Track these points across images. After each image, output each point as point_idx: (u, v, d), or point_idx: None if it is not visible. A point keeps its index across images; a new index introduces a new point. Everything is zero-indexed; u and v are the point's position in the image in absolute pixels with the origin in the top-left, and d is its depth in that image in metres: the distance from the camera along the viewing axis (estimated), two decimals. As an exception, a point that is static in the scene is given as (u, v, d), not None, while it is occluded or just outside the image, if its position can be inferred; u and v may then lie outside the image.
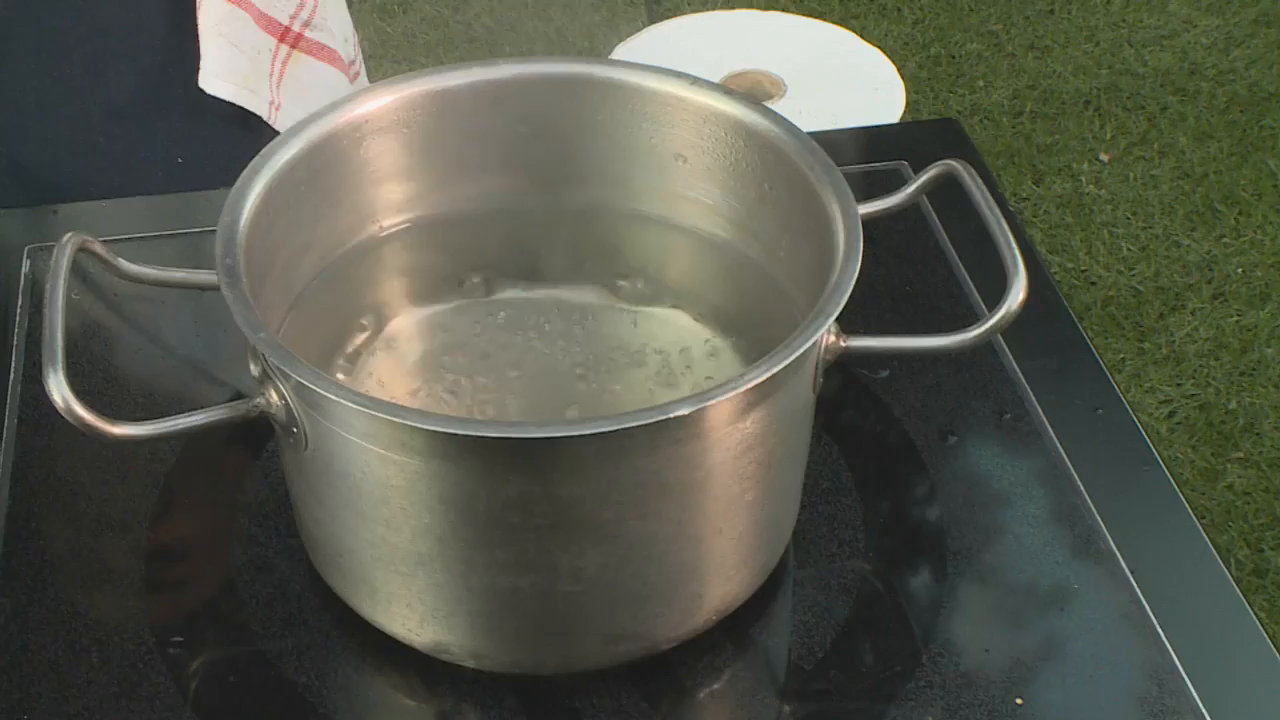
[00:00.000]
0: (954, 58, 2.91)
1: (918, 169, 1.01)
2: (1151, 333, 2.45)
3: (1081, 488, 0.82)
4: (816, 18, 3.01)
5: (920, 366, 0.89)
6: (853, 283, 0.68)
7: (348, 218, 0.79)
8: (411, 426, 0.62)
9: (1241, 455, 2.28)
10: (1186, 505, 0.82)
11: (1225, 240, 2.59)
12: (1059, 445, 0.85)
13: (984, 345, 0.79)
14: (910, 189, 0.78)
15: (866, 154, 1.03)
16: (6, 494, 0.81)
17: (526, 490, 0.64)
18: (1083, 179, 2.68)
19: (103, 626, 0.75)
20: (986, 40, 2.96)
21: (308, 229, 0.77)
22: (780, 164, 0.76)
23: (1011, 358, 0.89)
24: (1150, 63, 2.91)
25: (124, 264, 0.74)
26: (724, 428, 0.66)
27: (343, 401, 0.63)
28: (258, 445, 0.82)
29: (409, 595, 0.70)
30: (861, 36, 2.97)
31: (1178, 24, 3.01)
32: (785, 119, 0.77)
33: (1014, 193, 2.63)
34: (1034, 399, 0.87)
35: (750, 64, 1.66)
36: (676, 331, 0.81)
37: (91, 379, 0.87)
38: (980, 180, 0.76)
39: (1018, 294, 0.70)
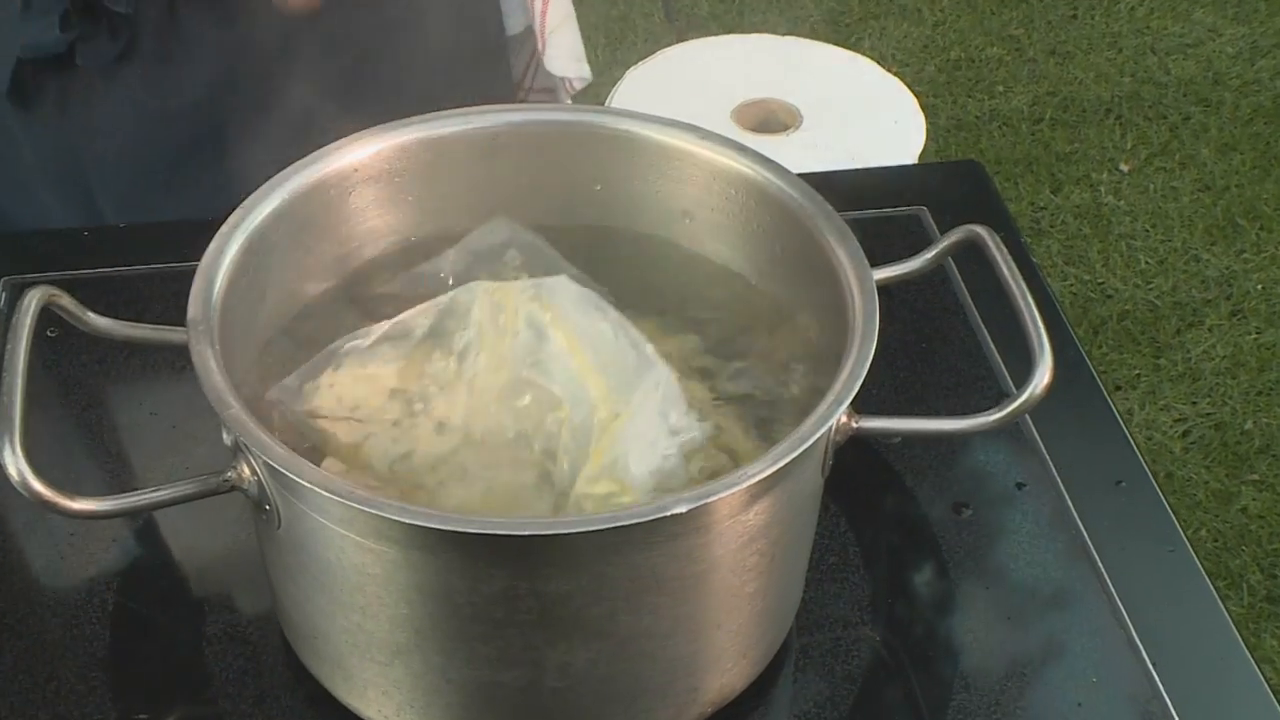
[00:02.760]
0: (974, 62, 2.86)
1: (937, 215, 0.97)
2: (1168, 349, 2.41)
3: (1102, 568, 0.78)
4: (836, 19, 2.96)
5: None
6: (867, 367, 0.64)
7: (333, 270, 0.75)
8: (388, 519, 0.58)
9: (1257, 478, 2.24)
10: (1213, 590, 0.78)
11: (1245, 255, 2.55)
12: (1079, 521, 0.80)
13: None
14: (930, 254, 0.73)
15: (885, 198, 0.99)
16: (-32, 549, 0.77)
17: (511, 585, 0.60)
18: (1102, 189, 2.64)
19: (63, 699, 0.71)
20: (1007, 45, 2.91)
21: (289, 282, 0.73)
22: (794, 228, 0.72)
23: (1031, 423, 0.85)
24: (1173, 71, 2.86)
25: (92, 318, 0.69)
26: (726, 521, 0.62)
27: (314, 488, 0.58)
28: (234, 505, 0.78)
29: (385, 683, 0.66)
30: (880, 38, 2.92)
31: (1202, 32, 2.96)
32: (800, 179, 0.73)
33: (1031, 202, 2.58)
34: (1053, 470, 0.83)
35: (766, 92, 1.60)
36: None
37: (57, 437, 0.83)
38: (1004, 247, 0.71)
39: (1043, 377, 0.66)
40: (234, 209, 0.70)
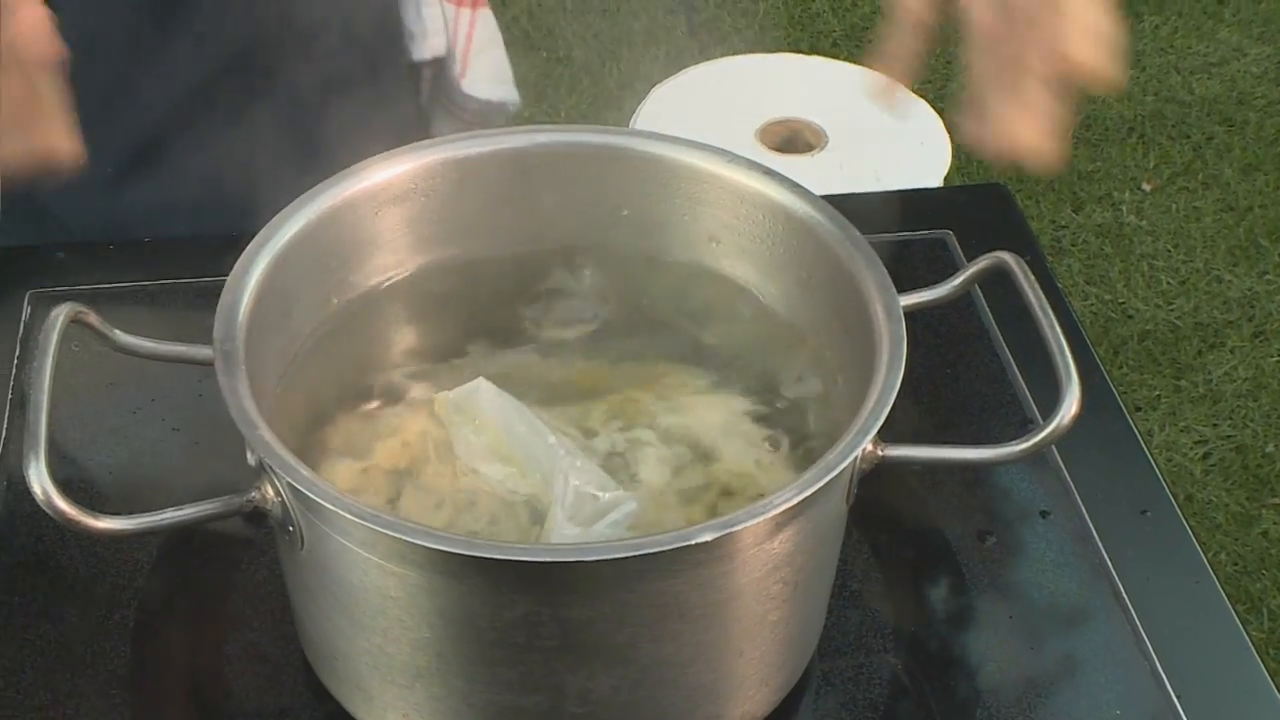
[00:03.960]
0: (997, 78, 2.85)
1: (963, 239, 0.96)
2: (1189, 370, 2.40)
3: (1126, 599, 0.77)
4: (857, 34, 2.96)
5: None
6: (894, 396, 0.63)
7: (359, 288, 0.75)
8: (412, 543, 0.58)
9: (1278, 501, 2.23)
10: (1238, 623, 0.77)
11: (1268, 277, 2.54)
12: (1103, 551, 0.80)
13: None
14: (957, 281, 0.73)
15: (910, 221, 0.98)
16: (-11, 563, 0.77)
17: (534, 611, 0.60)
18: (1123, 208, 2.63)
19: (83, 714, 0.71)
20: (1031, 62, 2.89)
21: (316, 301, 0.73)
22: (821, 253, 0.72)
23: (1055, 451, 0.85)
24: (1197, 91, 2.85)
25: (119, 335, 0.69)
26: (750, 550, 0.61)
27: (339, 511, 0.58)
28: (256, 522, 0.78)
29: (406, 706, 0.66)
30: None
31: (1227, 51, 2.95)
32: (827, 204, 0.72)
33: (1053, 220, 2.57)
34: (1078, 498, 0.82)
35: (790, 111, 1.60)
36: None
37: (78, 452, 0.83)
38: (1032, 275, 0.71)
39: (1070, 406, 0.65)
40: (261, 227, 0.70)
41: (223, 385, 0.62)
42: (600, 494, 0.68)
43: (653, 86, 1.66)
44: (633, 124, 1.64)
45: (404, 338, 0.76)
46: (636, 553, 0.58)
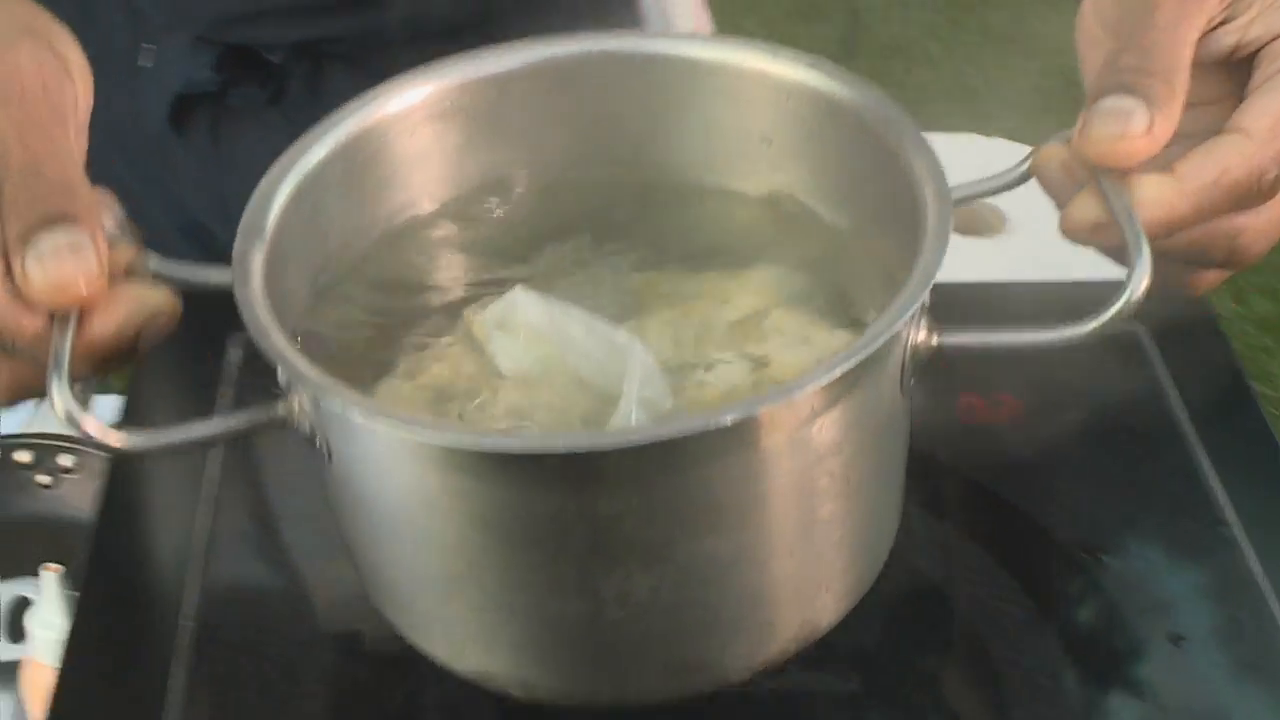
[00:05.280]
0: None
1: (1158, 336, 0.88)
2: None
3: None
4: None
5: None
6: (939, 266, 0.60)
7: (394, 207, 0.74)
8: (421, 442, 0.56)
9: None
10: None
11: None
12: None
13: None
14: (1023, 167, 0.69)
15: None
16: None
17: (560, 508, 0.57)
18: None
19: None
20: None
21: (348, 222, 0.71)
22: (869, 143, 0.68)
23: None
24: None
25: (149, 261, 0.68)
26: (786, 436, 0.58)
27: (352, 416, 0.57)
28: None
29: (445, 618, 0.64)
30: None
31: None
32: (877, 91, 0.69)
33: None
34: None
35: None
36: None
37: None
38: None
39: (1141, 278, 0.60)
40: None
41: (238, 296, 0.61)
42: (665, 404, 0.65)
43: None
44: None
45: (443, 263, 0.74)
46: (653, 439, 0.55)
